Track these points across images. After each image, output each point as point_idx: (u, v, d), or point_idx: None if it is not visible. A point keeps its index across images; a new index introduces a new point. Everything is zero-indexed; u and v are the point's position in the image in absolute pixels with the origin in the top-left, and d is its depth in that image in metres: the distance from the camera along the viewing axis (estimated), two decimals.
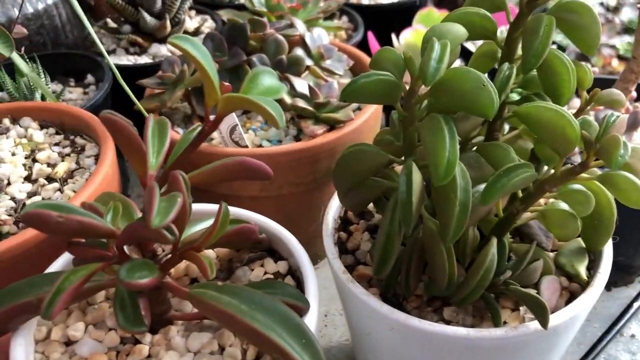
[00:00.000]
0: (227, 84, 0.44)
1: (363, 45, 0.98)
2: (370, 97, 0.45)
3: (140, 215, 0.52)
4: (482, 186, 0.49)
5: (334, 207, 0.60)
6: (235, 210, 0.57)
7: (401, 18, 1.12)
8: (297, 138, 0.69)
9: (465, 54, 0.97)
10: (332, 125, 0.67)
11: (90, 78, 0.94)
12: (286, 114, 0.72)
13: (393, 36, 0.97)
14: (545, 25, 0.45)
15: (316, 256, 0.83)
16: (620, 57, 1.44)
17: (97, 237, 0.46)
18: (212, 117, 0.43)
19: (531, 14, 0.48)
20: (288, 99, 0.67)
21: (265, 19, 0.73)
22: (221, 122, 0.44)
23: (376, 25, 1.05)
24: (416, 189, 0.45)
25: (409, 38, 0.91)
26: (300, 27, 0.75)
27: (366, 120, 0.68)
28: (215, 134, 0.69)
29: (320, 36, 0.77)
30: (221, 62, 0.70)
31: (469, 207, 0.43)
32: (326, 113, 0.66)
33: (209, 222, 0.54)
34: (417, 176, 0.45)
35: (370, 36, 0.93)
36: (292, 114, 0.72)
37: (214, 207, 0.58)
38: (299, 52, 0.73)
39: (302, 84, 0.68)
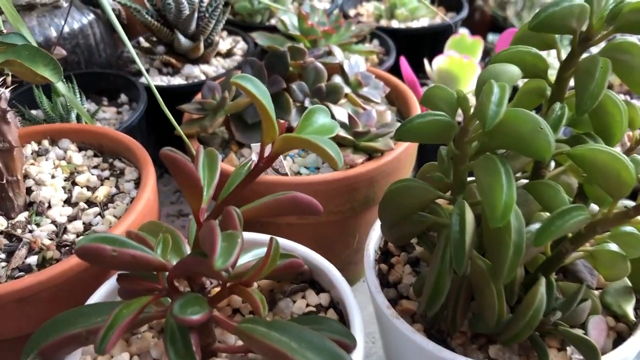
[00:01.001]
0: (282, 121, 0.44)
1: (395, 70, 0.98)
2: (425, 137, 0.45)
3: (187, 247, 0.52)
4: (534, 226, 0.48)
5: (374, 238, 0.60)
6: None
7: (432, 42, 1.12)
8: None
9: None
10: (371, 153, 0.68)
11: (123, 97, 0.94)
12: None
13: (425, 62, 0.98)
14: (600, 67, 0.45)
15: (349, 281, 0.83)
16: None
17: (148, 270, 0.46)
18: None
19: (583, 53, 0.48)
20: None
21: (304, 47, 0.73)
22: (276, 159, 0.44)
23: (407, 48, 1.05)
24: (469, 230, 0.44)
25: (442, 65, 0.91)
26: (339, 55, 0.76)
27: (405, 149, 0.68)
28: (253, 159, 0.69)
29: (357, 63, 0.77)
30: None
31: (523, 250, 0.43)
32: (365, 142, 0.66)
33: (255, 252, 0.54)
34: (469, 216, 0.45)
35: (403, 61, 0.93)
36: None
37: (258, 236, 0.58)
38: (337, 79, 0.73)
39: (341, 112, 0.69)
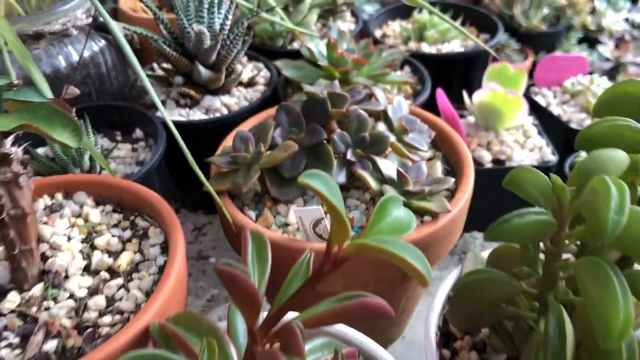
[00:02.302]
0: (351, 216, 0.37)
1: (428, 100, 0.91)
2: (523, 238, 0.38)
3: (233, 350, 0.46)
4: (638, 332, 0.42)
5: (434, 319, 0.54)
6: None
7: (466, 68, 1.05)
8: None
9: None
10: (422, 214, 0.61)
11: (138, 132, 0.87)
12: (365, 195, 0.66)
13: (464, 94, 0.91)
14: None
15: (389, 340, 0.77)
16: None
17: None
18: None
19: None
20: (374, 185, 0.61)
21: (346, 93, 0.66)
22: (344, 263, 0.37)
23: (438, 75, 0.98)
24: (569, 342, 0.38)
25: (484, 99, 0.84)
26: (382, 99, 0.69)
27: (460, 210, 0.61)
28: (291, 219, 0.63)
29: (400, 105, 0.70)
30: (298, 139, 0.63)
31: None
32: (418, 202, 0.60)
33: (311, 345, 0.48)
34: (569, 327, 0.39)
35: (441, 94, 0.86)
36: (371, 193, 0.65)
37: None
38: (381, 127, 0.67)
39: (389, 167, 0.62)
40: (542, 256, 0.45)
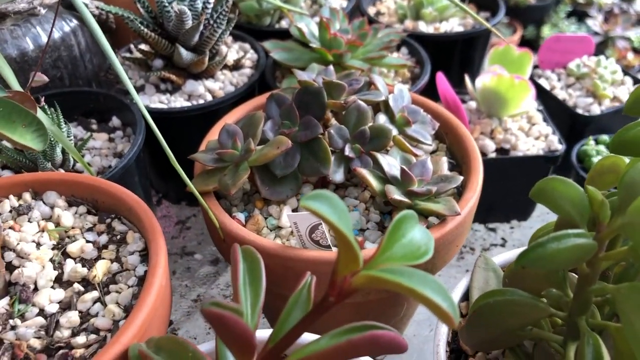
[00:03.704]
0: (360, 238, 0.32)
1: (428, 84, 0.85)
2: (559, 264, 0.33)
3: None
4: None
5: (443, 334, 0.49)
6: None
7: (465, 48, 0.99)
8: (380, 225, 0.57)
9: None
10: (427, 216, 0.56)
11: (115, 121, 0.81)
12: (364, 193, 0.60)
13: (467, 77, 0.85)
14: None
15: None
16: (636, 50, 1.34)
17: None
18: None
19: None
20: (376, 185, 0.55)
21: (344, 83, 0.60)
22: (352, 294, 0.32)
23: (437, 55, 0.93)
24: None
25: (488, 83, 0.78)
26: (383, 87, 0.63)
27: (470, 211, 0.56)
28: (284, 221, 0.57)
29: (402, 93, 0.64)
30: (291, 134, 0.57)
31: None
32: (424, 203, 0.54)
33: None
34: (607, 358, 0.34)
35: (441, 79, 0.80)
36: (370, 191, 0.60)
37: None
38: (381, 119, 0.61)
39: (392, 165, 0.56)
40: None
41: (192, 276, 0.83)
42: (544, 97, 0.93)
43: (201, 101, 0.82)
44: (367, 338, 0.35)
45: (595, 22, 1.36)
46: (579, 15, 1.45)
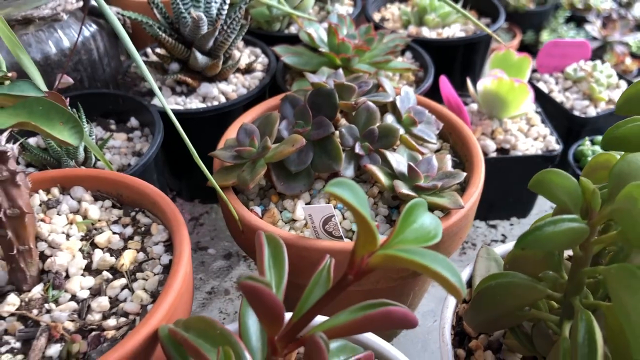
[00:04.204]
0: (376, 223, 0.36)
1: (431, 87, 0.89)
2: (555, 245, 0.37)
3: (249, 359, 0.44)
4: None
5: (448, 317, 0.53)
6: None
7: (467, 53, 1.03)
8: (388, 218, 0.61)
9: None
10: (433, 210, 0.59)
11: (133, 121, 0.85)
12: (373, 189, 0.64)
13: (468, 81, 0.89)
14: None
15: (393, 334, 0.76)
16: (633, 55, 1.38)
17: None
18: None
19: None
20: (385, 180, 0.59)
21: (354, 85, 0.64)
22: (369, 273, 0.36)
23: (439, 60, 0.96)
24: (600, 350, 0.37)
25: (489, 86, 0.82)
26: (390, 89, 0.67)
27: (473, 205, 0.60)
28: (298, 214, 0.61)
29: (408, 95, 0.68)
30: (305, 132, 0.61)
31: None
32: (430, 197, 0.58)
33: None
34: (599, 336, 0.38)
35: (444, 82, 0.84)
36: (379, 187, 0.64)
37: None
38: (389, 119, 0.65)
39: (399, 161, 0.60)
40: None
41: (206, 270, 0.87)
42: (542, 99, 0.97)
43: (215, 103, 0.85)
44: (382, 313, 0.39)
45: (594, 28, 1.40)
46: (578, 20, 1.48)
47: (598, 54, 1.34)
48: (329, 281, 0.40)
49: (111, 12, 0.61)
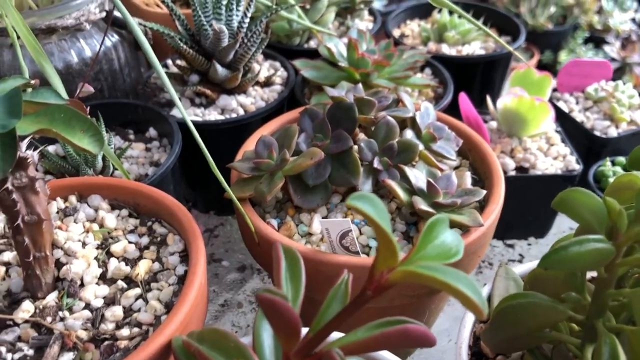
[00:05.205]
0: (397, 238, 0.35)
1: (450, 104, 0.89)
2: (579, 266, 0.36)
3: None
4: None
5: (465, 337, 0.51)
6: None
7: (487, 70, 1.03)
8: (406, 235, 0.60)
9: None
10: (451, 227, 0.59)
11: (152, 132, 0.85)
12: (391, 205, 0.63)
13: (488, 98, 0.88)
14: None
15: (407, 353, 0.75)
16: None
17: None
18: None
19: None
20: (404, 196, 0.58)
21: (374, 99, 0.64)
22: (389, 289, 0.35)
23: (458, 77, 0.96)
24: None
25: (509, 104, 0.81)
26: (410, 104, 0.66)
27: (492, 223, 0.59)
28: (314, 228, 0.60)
29: (428, 111, 0.68)
30: (324, 146, 0.61)
31: None
32: (449, 214, 0.57)
33: None
34: (623, 359, 0.36)
35: (464, 99, 0.84)
36: (397, 203, 0.63)
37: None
38: (408, 134, 0.64)
39: (419, 177, 0.60)
40: None
41: (219, 282, 0.87)
42: (563, 119, 0.96)
43: (234, 115, 0.86)
44: (400, 331, 0.38)
45: (613, 49, 1.39)
46: (596, 41, 1.47)
47: (617, 75, 1.33)
48: (346, 296, 0.40)
49: (135, 23, 0.62)
